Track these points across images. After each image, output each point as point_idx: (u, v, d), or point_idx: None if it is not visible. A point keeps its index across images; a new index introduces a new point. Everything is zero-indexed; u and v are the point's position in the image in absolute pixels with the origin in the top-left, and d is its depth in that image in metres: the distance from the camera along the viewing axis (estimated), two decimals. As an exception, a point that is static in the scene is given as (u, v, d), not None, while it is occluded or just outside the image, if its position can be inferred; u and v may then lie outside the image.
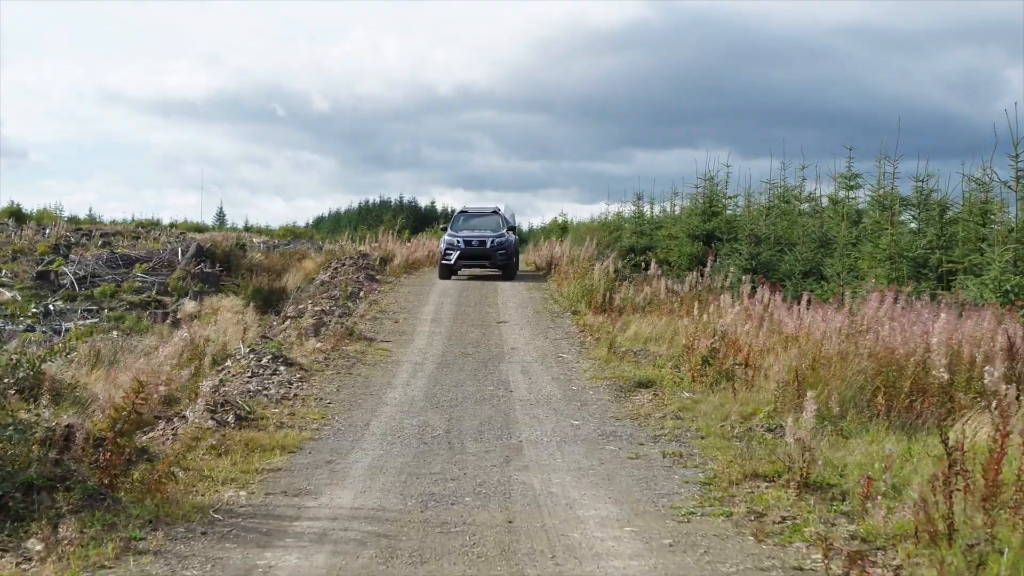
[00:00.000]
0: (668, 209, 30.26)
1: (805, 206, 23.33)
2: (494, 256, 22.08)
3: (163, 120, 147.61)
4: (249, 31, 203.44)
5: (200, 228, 65.64)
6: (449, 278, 21.95)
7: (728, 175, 25.97)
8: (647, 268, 22.92)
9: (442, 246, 22.47)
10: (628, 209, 33.34)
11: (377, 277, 21.40)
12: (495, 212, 23.54)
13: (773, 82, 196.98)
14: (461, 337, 14.21)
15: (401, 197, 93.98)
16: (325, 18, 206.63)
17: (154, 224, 67.32)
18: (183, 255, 23.84)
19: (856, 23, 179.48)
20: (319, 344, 13.00)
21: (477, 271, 23.22)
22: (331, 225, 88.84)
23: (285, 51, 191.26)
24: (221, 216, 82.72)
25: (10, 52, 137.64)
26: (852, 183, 21.06)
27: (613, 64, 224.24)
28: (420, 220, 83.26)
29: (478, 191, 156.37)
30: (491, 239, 22.08)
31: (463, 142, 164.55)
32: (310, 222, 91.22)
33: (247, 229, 70.20)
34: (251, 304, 20.63)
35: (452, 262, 21.94)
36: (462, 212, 23.92)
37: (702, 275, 20.28)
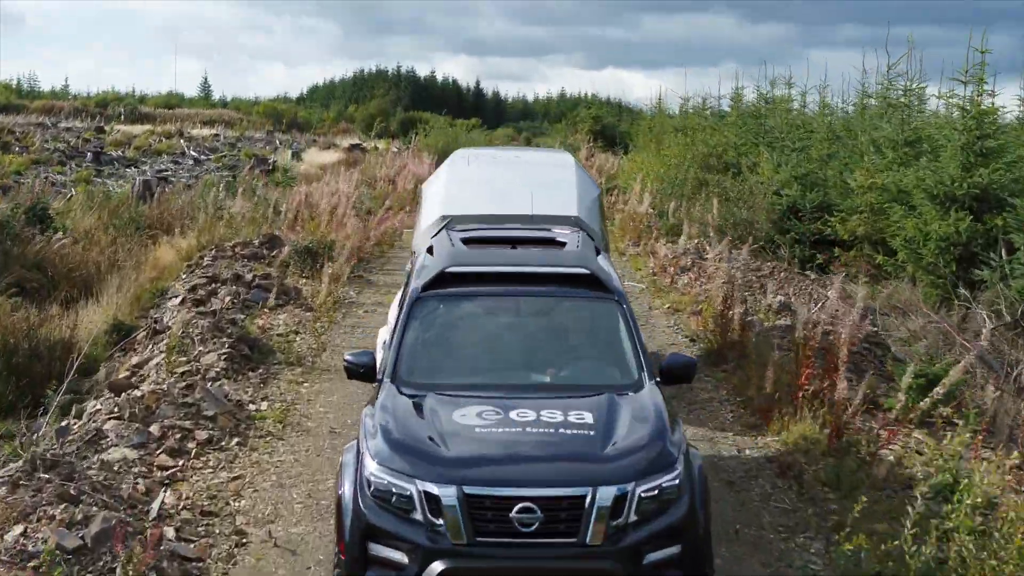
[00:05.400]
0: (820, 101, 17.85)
1: None
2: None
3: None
4: None
5: (171, 103, 57.17)
6: None
7: (986, 58, 11.62)
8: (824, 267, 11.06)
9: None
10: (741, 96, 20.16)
11: (265, 345, 8.38)
12: (557, 242, 6.25)
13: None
14: None
15: (399, 66, 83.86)
16: None
17: (117, 97, 59.15)
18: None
19: None
20: None
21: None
22: (324, 95, 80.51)
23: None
24: (206, 87, 73.41)
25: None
26: None
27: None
28: (418, 95, 71.12)
29: (481, 57, 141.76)
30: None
31: (468, 7, 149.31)
32: (304, 92, 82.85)
33: (224, 105, 64.28)
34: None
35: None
36: (449, 229, 6.43)
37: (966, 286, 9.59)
